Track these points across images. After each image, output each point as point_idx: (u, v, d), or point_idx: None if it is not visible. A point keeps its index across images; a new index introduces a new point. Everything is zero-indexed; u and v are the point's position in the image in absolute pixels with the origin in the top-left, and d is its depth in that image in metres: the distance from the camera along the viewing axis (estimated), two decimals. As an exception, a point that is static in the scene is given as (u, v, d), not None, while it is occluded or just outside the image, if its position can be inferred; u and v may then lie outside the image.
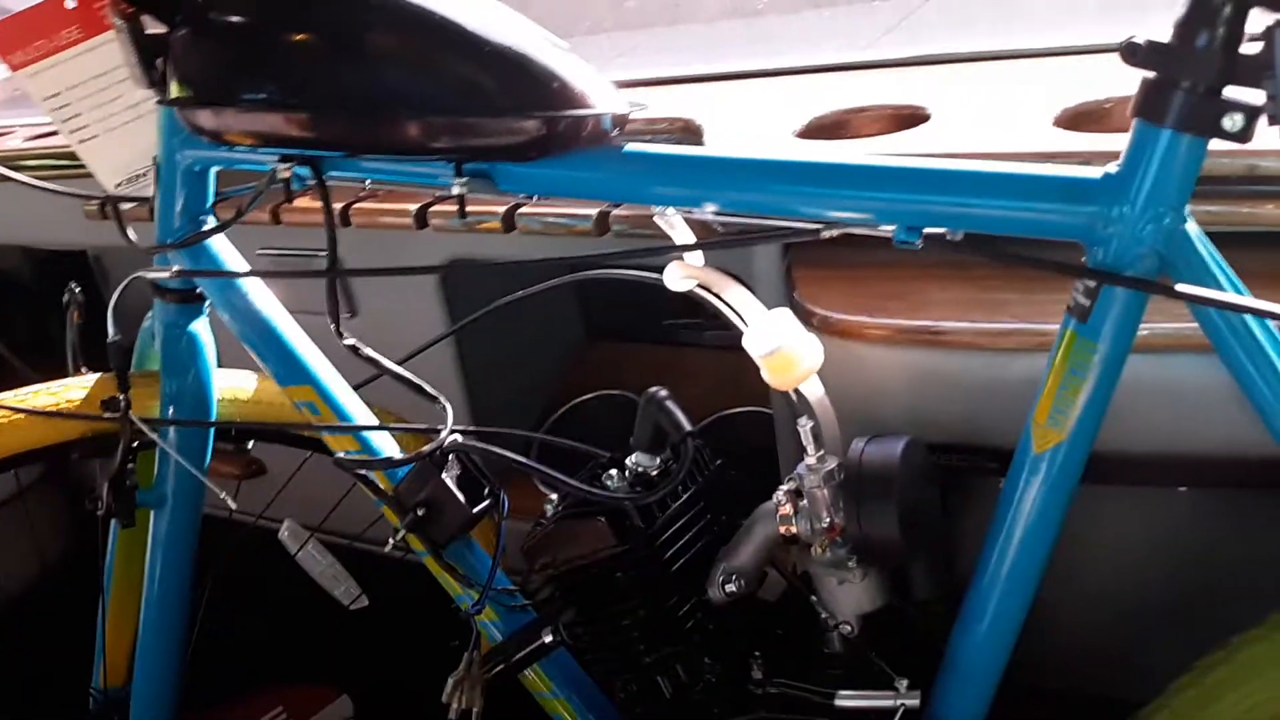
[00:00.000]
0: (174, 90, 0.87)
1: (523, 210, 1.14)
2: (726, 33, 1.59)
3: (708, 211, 0.79)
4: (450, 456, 0.93)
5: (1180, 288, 0.67)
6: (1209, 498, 0.87)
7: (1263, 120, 0.62)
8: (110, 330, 0.98)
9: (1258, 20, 0.61)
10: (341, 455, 0.94)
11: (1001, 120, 1.02)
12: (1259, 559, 0.88)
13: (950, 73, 1.22)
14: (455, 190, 0.80)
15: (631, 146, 0.80)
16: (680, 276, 0.83)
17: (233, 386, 1.11)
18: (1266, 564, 0.87)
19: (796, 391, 0.84)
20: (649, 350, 1.62)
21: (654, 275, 0.87)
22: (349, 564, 1.17)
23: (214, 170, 0.98)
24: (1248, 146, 0.69)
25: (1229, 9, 0.61)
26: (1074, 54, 1.17)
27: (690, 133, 1.15)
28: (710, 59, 1.51)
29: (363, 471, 0.95)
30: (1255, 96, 0.62)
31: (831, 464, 0.83)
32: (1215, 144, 0.65)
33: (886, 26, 1.39)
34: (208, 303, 1.03)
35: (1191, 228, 0.68)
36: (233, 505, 0.97)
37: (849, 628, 0.86)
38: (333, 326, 0.89)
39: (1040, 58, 1.20)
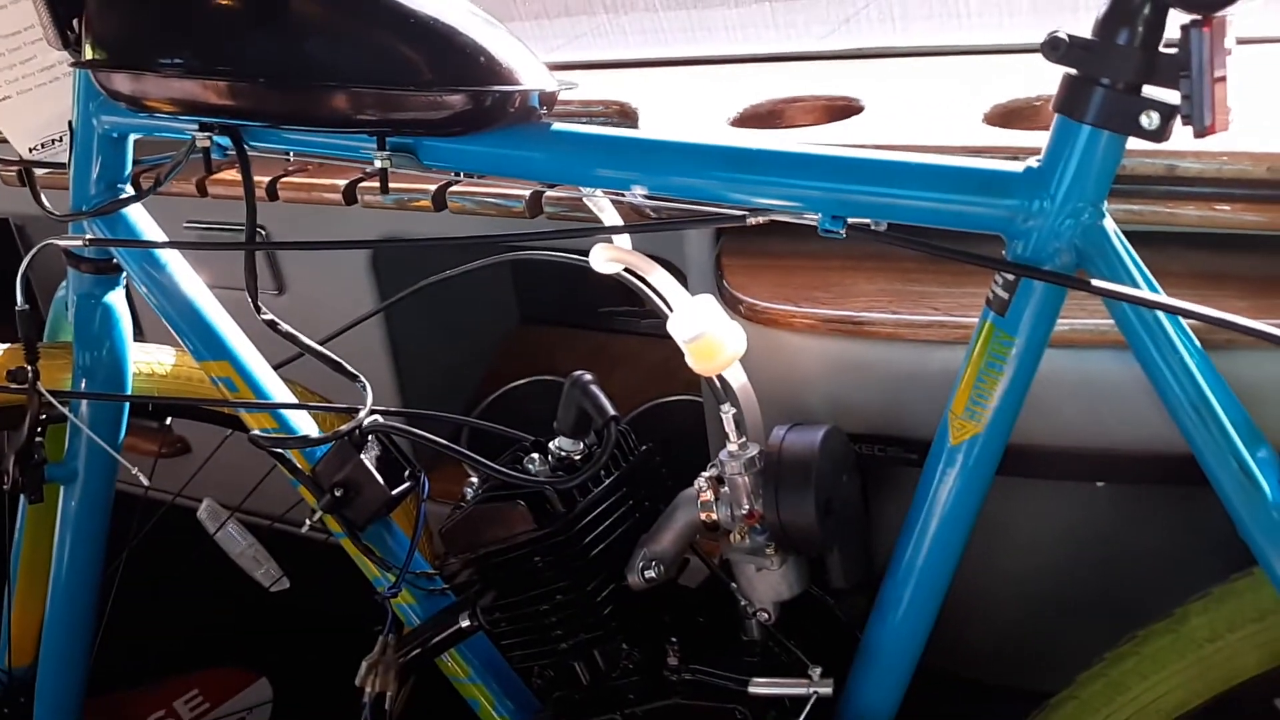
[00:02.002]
0: (89, 52, 0.84)
1: (454, 189, 1.12)
2: (669, 21, 1.59)
3: (636, 195, 0.78)
4: (370, 437, 0.92)
5: (1096, 283, 0.67)
6: (1120, 492, 0.89)
7: (1178, 120, 0.63)
8: (19, 299, 0.95)
9: (1176, 21, 0.62)
10: (258, 433, 0.92)
11: (933, 115, 1.03)
12: (1167, 553, 0.89)
13: (886, 67, 1.22)
14: (377, 164, 0.79)
15: (559, 126, 0.79)
16: (605, 258, 0.83)
17: (149, 360, 1.09)
18: (1174, 558, 0.89)
19: (720, 378, 0.83)
20: (583, 336, 1.61)
21: (583, 258, 0.86)
22: (270, 546, 1.15)
23: (132, 137, 0.95)
24: (1167, 147, 0.70)
25: (1148, 9, 0.62)
26: (1007, 52, 1.18)
27: (625, 116, 1.14)
28: (651, 45, 1.50)
29: (279, 450, 0.93)
30: (1172, 96, 0.63)
31: (753, 451, 0.83)
32: (1135, 144, 0.66)
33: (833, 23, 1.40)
34: (124, 274, 1.01)
35: (1109, 224, 0.68)
36: (145, 482, 0.94)
37: (766, 615, 0.86)
38: (251, 301, 0.87)
39: (974, 55, 1.21)
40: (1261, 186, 0.83)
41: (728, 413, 0.82)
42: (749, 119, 1.10)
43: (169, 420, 1.25)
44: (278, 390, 1.00)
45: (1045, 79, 1.03)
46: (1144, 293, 0.68)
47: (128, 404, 1.06)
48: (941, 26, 1.30)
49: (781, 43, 1.40)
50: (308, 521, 0.93)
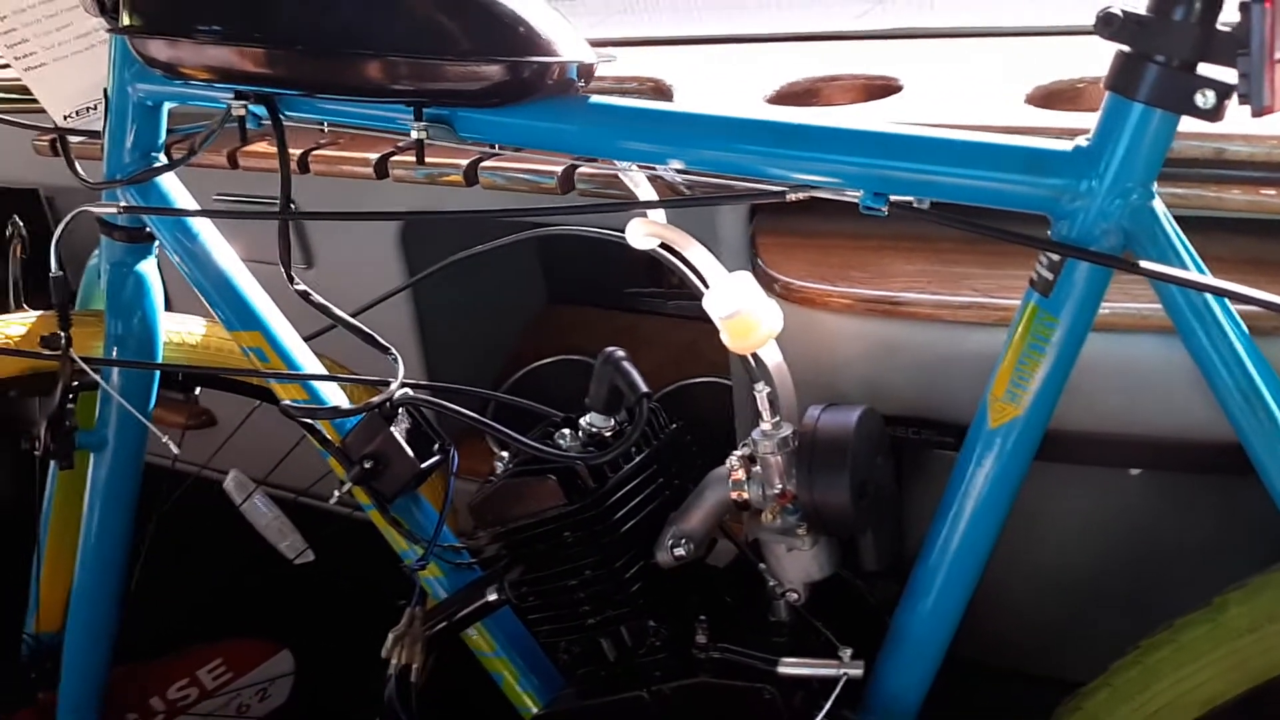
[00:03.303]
0: (126, 19, 0.83)
1: (485, 164, 1.12)
2: (703, 0, 1.58)
3: (672, 169, 0.78)
4: (400, 410, 0.91)
5: (1145, 264, 0.66)
6: (1160, 480, 0.87)
7: (1234, 100, 0.62)
8: (53, 265, 0.95)
9: (1235, -2, 0.61)
10: (288, 403, 0.92)
11: (974, 95, 1.01)
12: (1205, 543, 0.88)
13: (922, 47, 1.21)
14: (414, 135, 0.78)
15: (597, 99, 0.78)
16: (643, 234, 0.82)
17: (180, 330, 1.09)
18: (1212, 548, 0.87)
19: (754, 356, 0.83)
20: (610, 316, 1.60)
21: (616, 234, 0.85)
22: (295, 518, 1.15)
23: (167, 106, 0.95)
24: (1216, 129, 0.69)
25: None
26: (1050, 34, 1.16)
27: (660, 93, 1.13)
28: (685, 24, 1.49)
29: (309, 420, 0.93)
30: (1228, 75, 0.61)
31: (786, 430, 0.82)
32: (1184, 126, 0.64)
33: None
34: (157, 243, 1.01)
35: (1158, 206, 0.67)
36: (175, 450, 0.94)
37: (796, 595, 0.85)
38: (284, 271, 0.87)
39: (1016, 36, 1.19)
40: (1311, 171, 0.81)
41: (762, 391, 0.82)
42: (785, 97, 1.09)
43: (197, 392, 1.25)
44: (309, 362, 0.99)
45: (1085, 61, 1.01)
46: (1195, 275, 0.66)
47: (158, 373, 1.06)
48: (978, 6, 1.28)
49: (816, 23, 1.38)
50: (336, 493, 0.92)
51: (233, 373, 1.08)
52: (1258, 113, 0.59)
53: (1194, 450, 0.82)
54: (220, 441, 1.28)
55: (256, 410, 1.15)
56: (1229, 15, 0.61)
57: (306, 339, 1.01)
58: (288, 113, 0.85)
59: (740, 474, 0.83)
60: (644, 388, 0.86)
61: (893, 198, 0.71)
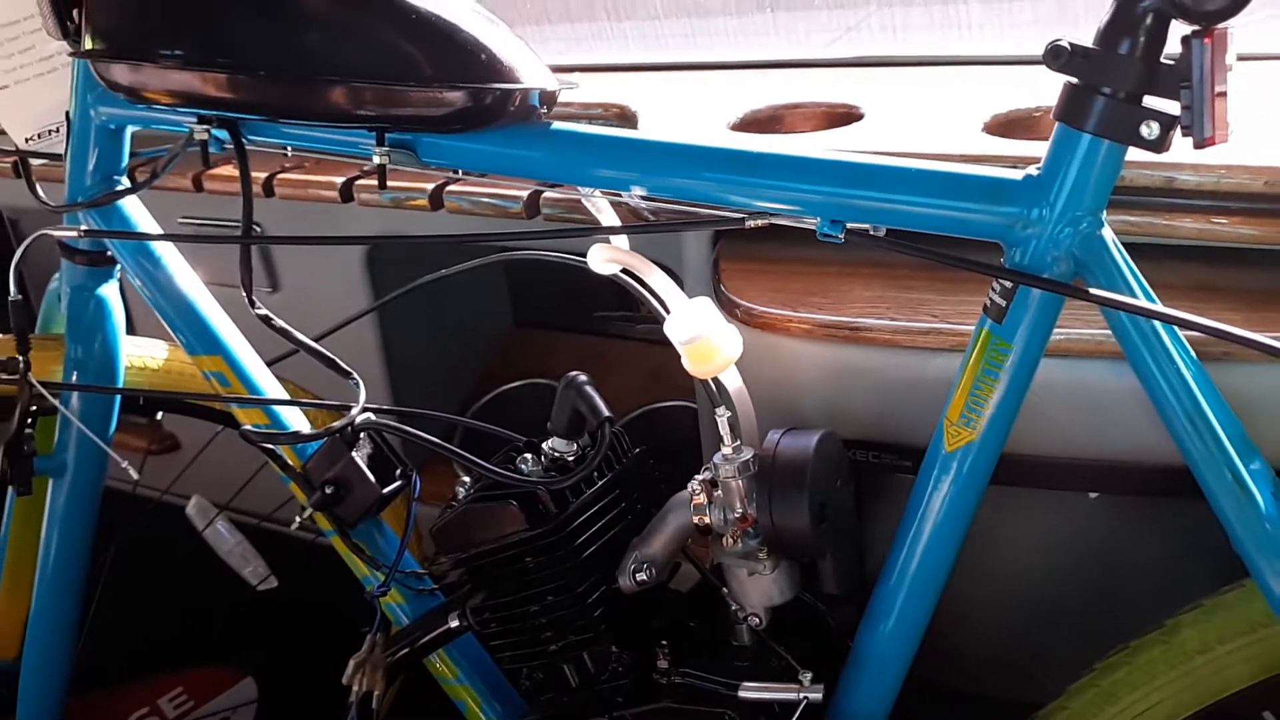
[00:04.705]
0: (88, 42, 0.83)
1: (451, 189, 1.12)
2: (670, 27, 1.59)
3: (635, 195, 0.78)
4: (362, 435, 0.91)
5: (1094, 291, 0.67)
6: (1113, 503, 0.88)
7: (1178, 132, 0.63)
8: (11, 289, 0.94)
9: (1178, 33, 0.62)
10: (248, 428, 0.91)
11: (933, 123, 1.03)
12: (1159, 565, 0.89)
13: (887, 75, 1.23)
14: (376, 160, 0.78)
15: (559, 125, 0.79)
16: (604, 259, 0.82)
17: (141, 355, 1.08)
18: (1166, 570, 0.89)
19: (715, 381, 0.83)
20: (577, 340, 1.61)
21: (580, 259, 0.86)
22: (259, 544, 1.14)
23: (130, 129, 0.95)
24: (1167, 159, 0.71)
25: (1150, 19, 0.62)
26: (1008, 64, 1.18)
27: (625, 119, 1.14)
28: (652, 51, 1.51)
29: (269, 446, 0.92)
30: (1172, 107, 0.63)
31: (747, 454, 0.83)
32: (1135, 155, 0.66)
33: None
34: (118, 267, 1.00)
35: (1107, 234, 0.68)
36: (134, 475, 0.94)
37: (757, 620, 0.85)
38: (245, 296, 0.87)
39: (975, 65, 1.21)
40: (1259, 200, 0.83)
41: (722, 416, 0.82)
42: (749, 124, 1.10)
43: (159, 415, 1.24)
44: (270, 386, 0.99)
45: (1045, 90, 1.03)
46: (1142, 302, 0.68)
47: (119, 398, 1.05)
48: (943, 37, 1.30)
49: (783, 51, 1.40)
50: (297, 519, 0.92)
51: (193, 397, 1.07)
52: (1199, 144, 0.61)
53: (1147, 473, 0.83)
54: (181, 468, 1.27)
55: (219, 435, 1.15)
56: (1174, 48, 0.63)
57: (270, 363, 1.01)
58: (250, 137, 0.85)
59: (701, 498, 0.84)
60: (606, 412, 0.87)
61: (849, 225, 0.72)
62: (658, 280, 0.81)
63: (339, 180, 1.18)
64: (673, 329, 0.81)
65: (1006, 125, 1.00)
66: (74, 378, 1.01)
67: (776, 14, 1.47)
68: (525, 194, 1.08)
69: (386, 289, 1.31)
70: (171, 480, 1.25)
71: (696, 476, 0.84)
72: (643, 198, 0.78)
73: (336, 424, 0.88)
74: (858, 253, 0.95)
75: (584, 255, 0.84)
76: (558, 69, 0.82)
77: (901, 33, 1.34)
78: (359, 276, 1.33)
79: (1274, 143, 0.85)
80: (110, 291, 1.02)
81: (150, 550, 1.19)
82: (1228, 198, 0.84)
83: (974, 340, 0.73)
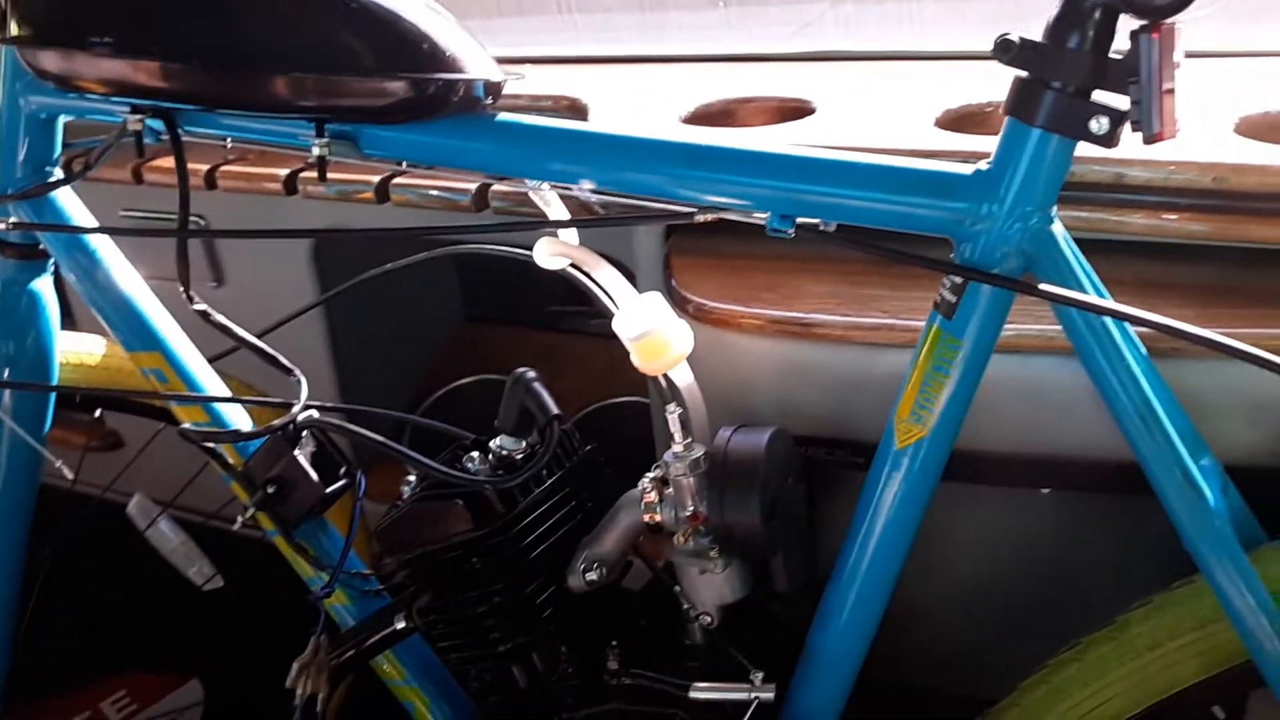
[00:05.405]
0: (15, 29, 0.80)
1: (397, 181, 1.10)
2: (624, 20, 1.58)
3: (584, 189, 0.77)
4: (305, 433, 0.89)
5: (1043, 287, 0.67)
6: (1065, 499, 0.88)
7: (1128, 127, 0.63)
8: (-62, 284, 0.91)
9: (1128, 26, 0.62)
10: (188, 426, 0.89)
11: (885, 118, 1.02)
12: (1111, 561, 0.89)
13: (839, 70, 1.22)
14: (316, 151, 0.76)
15: (505, 117, 0.78)
16: (550, 253, 0.81)
17: (78, 350, 1.05)
18: (1118, 566, 0.89)
19: (666, 378, 0.82)
20: (531, 335, 1.59)
21: (528, 253, 0.84)
22: (205, 543, 1.11)
23: (62, 119, 0.92)
24: (1116, 155, 0.71)
25: (1098, 14, 0.61)
26: (961, 59, 1.18)
27: (575, 111, 1.12)
28: (605, 45, 1.49)
29: (210, 444, 0.90)
30: (1122, 102, 0.62)
31: (698, 452, 0.82)
32: (1084, 151, 0.65)
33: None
34: (52, 260, 0.97)
35: (1057, 229, 0.68)
36: (69, 475, 0.91)
37: (709, 619, 0.84)
38: (182, 291, 0.84)
39: (928, 60, 1.21)
40: (1208, 196, 0.83)
41: (673, 413, 0.81)
42: (701, 118, 1.09)
43: (99, 413, 1.21)
44: (211, 383, 0.97)
45: (998, 86, 1.03)
46: (1091, 298, 0.67)
47: (54, 395, 1.02)
48: (897, 33, 1.29)
49: (737, 46, 1.39)
50: (240, 519, 0.90)
51: (129, 395, 1.04)
52: (1149, 140, 0.61)
53: (1099, 469, 0.83)
54: (124, 464, 1.24)
55: (161, 432, 1.12)
56: (1123, 43, 0.62)
57: (211, 360, 0.98)
58: (187, 128, 0.82)
59: (653, 496, 0.83)
60: (554, 409, 0.85)
61: (799, 220, 0.71)
62: (606, 275, 0.79)
63: (283, 172, 1.16)
64: (622, 325, 0.79)
65: (958, 120, 0.99)
66: (6, 374, 0.98)
67: (730, 9, 1.47)
68: (473, 187, 1.06)
69: (334, 282, 1.28)
70: (111, 479, 1.21)
71: (647, 475, 0.83)
72: (592, 191, 0.77)
73: (277, 422, 0.85)
74: (809, 248, 0.93)
75: (532, 249, 0.83)
76: (507, 61, 0.80)
77: (856, 28, 1.34)
78: (306, 270, 1.30)
79: (1221, 139, 0.85)
80: (43, 285, 0.98)
81: (91, 550, 1.16)
82: (1177, 193, 0.84)
83: (924, 336, 0.72)
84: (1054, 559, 0.91)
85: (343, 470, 0.90)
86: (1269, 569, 0.70)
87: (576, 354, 1.55)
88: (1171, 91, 0.61)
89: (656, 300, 0.80)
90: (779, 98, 1.11)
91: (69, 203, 0.94)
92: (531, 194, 0.82)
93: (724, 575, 0.83)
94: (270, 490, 0.88)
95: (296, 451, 0.87)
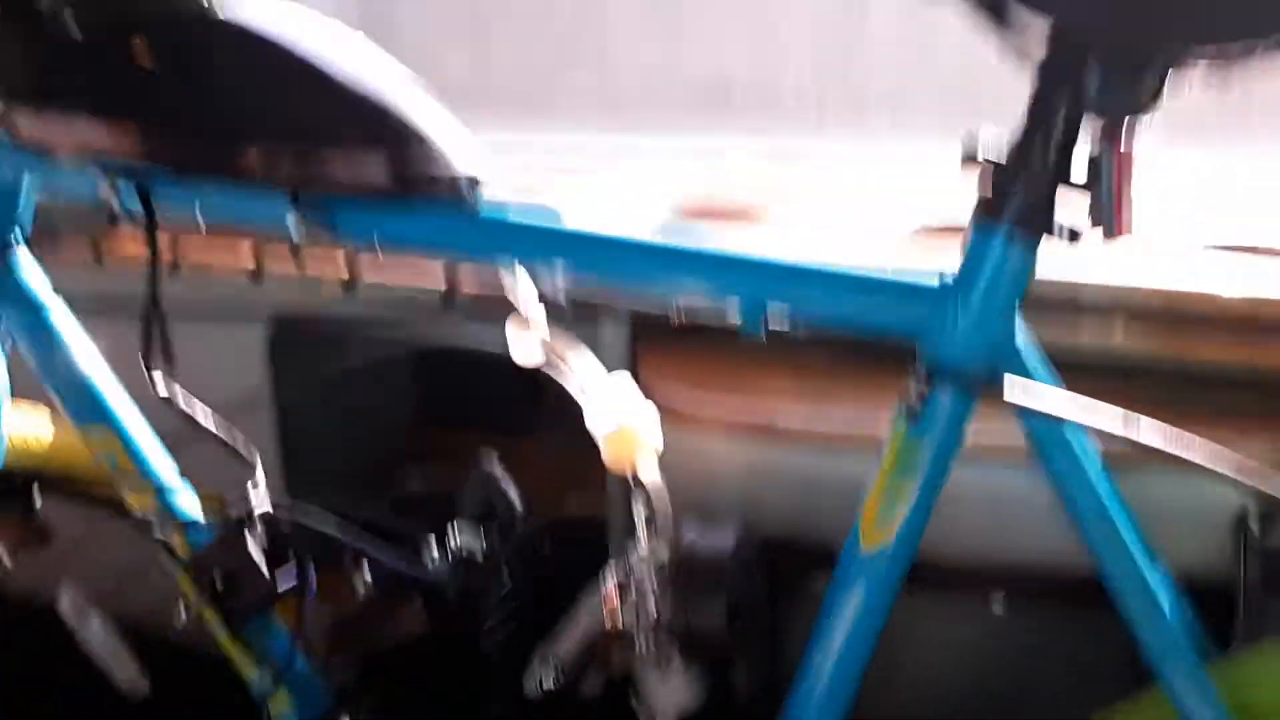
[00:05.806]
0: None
1: (368, 277, 1.10)
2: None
3: (558, 283, 0.77)
4: (258, 526, 0.87)
5: (1007, 394, 0.68)
6: (1024, 609, 0.89)
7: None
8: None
9: (1091, 127, 0.64)
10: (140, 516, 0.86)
11: (851, 229, 1.05)
12: (1071, 672, 0.89)
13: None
14: (291, 224, 0.76)
15: (486, 205, 0.78)
16: (526, 341, 0.81)
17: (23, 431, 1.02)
18: (1078, 676, 0.89)
19: (632, 475, 0.82)
20: (488, 437, 1.57)
21: (498, 351, 0.84)
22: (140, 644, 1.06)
23: (27, 180, 0.90)
24: (1070, 278, 0.72)
25: (1064, 112, 0.64)
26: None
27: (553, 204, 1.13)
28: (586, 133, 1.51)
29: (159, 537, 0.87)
30: (1084, 200, 0.65)
31: (661, 554, 0.81)
32: (1041, 270, 0.67)
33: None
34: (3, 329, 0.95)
35: (1019, 334, 0.70)
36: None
37: (667, 726, 0.82)
38: (146, 374, 0.83)
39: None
40: (1158, 317, 0.86)
41: (640, 515, 0.81)
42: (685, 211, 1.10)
43: (39, 505, 1.16)
44: (164, 467, 0.94)
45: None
46: (1054, 405, 0.69)
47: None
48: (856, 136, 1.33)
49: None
50: (182, 612, 0.86)
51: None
52: (1109, 236, 0.63)
53: (1058, 579, 0.83)
54: (56, 556, 1.19)
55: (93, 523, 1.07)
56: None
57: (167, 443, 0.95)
58: (160, 198, 0.81)
59: (614, 599, 0.81)
60: (518, 505, 0.84)
61: (771, 323, 0.72)
62: (583, 365, 0.79)
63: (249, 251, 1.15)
64: (595, 420, 0.79)
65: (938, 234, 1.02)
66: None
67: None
68: (441, 287, 1.06)
69: (290, 369, 1.26)
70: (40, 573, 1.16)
71: (610, 575, 0.82)
72: (565, 286, 0.77)
73: (232, 514, 0.83)
74: (776, 347, 0.95)
75: (502, 347, 0.83)
76: (490, 147, 0.81)
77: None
78: (259, 356, 1.28)
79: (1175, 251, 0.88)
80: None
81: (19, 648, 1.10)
82: (1128, 314, 0.86)
83: (889, 439, 0.73)
84: (1015, 669, 0.91)
85: (295, 564, 0.88)
86: (1224, 682, 0.71)
87: (528, 458, 1.53)
88: (1129, 190, 0.63)
89: (628, 387, 0.80)
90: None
91: (30, 272, 0.93)
92: (505, 285, 0.82)
93: (684, 680, 0.82)
94: (218, 584, 0.85)
95: (249, 544, 0.85)
